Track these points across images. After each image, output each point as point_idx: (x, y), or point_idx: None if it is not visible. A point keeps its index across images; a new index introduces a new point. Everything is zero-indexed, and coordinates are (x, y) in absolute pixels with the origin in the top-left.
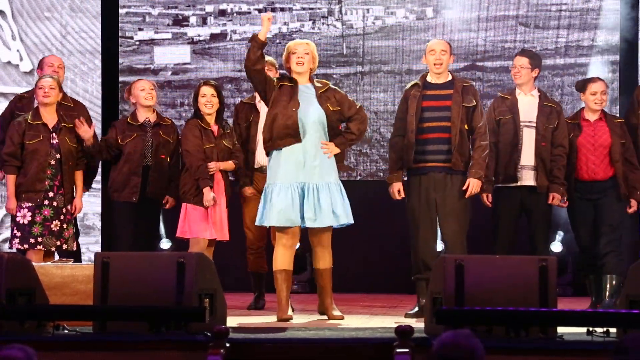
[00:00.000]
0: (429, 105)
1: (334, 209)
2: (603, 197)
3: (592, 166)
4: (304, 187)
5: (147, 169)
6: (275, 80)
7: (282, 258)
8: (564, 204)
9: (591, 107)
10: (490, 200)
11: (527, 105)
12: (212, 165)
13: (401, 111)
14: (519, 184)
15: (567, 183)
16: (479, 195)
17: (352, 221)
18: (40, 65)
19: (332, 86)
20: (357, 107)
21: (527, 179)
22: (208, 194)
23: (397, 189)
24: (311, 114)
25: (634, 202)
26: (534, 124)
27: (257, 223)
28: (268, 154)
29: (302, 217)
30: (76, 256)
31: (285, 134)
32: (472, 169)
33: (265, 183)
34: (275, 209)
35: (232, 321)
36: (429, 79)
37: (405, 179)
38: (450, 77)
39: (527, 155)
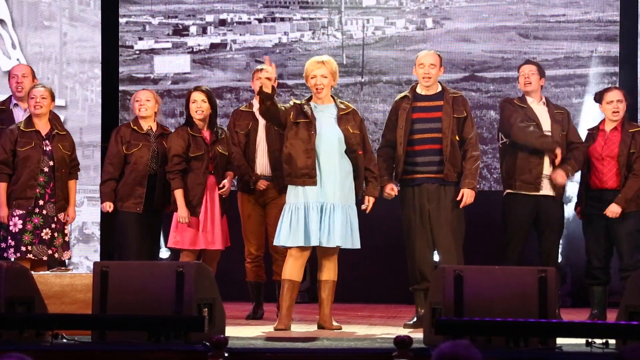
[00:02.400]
0: (419, 117)
1: (345, 232)
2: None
3: (599, 175)
4: (322, 206)
5: (151, 178)
6: (292, 114)
7: (291, 268)
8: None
9: (609, 117)
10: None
11: (541, 114)
12: (226, 190)
13: (391, 122)
14: (539, 192)
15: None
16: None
17: (358, 247)
18: (9, 75)
19: (356, 110)
20: (368, 142)
21: (546, 188)
22: (182, 210)
23: (389, 188)
24: (330, 136)
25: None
26: (550, 133)
27: (274, 243)
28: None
29: (317, 235)
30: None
31: (303, 174)
32: (466, 180)
33: (285, 203)
34: (292, 230)
35: (230, 331)
36: (418, 90)
37: (398, 189)
38: (440, 89)
39: (547, 165)
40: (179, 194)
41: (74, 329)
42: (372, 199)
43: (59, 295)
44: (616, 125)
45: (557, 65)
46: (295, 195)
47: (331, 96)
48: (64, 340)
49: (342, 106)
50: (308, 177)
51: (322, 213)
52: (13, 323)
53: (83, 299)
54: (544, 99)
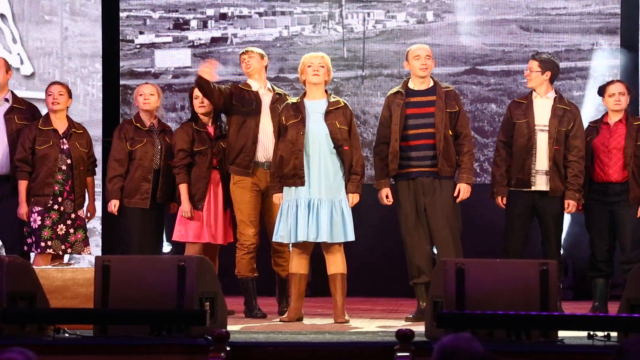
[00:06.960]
0: (412, 112)
1: (332, 227)
2: (619, 200)
3: (605, 168)
4: (310, 203)
5: (156, 174)
6: (283, 118)
7: (296, 263)
8: (580, 211)
9: (611, 109)
10: (504, 202)
11: (542, 109)
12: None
13: (385, 118)
14: (532, 189)
15: (583, 190)
16: (494, 197)
17: (351, 239)
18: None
19: (347, 105)
20: (355, 138)
21: (541, 183)
22: (185, 205)
23: (385, 194)
24: (317, 132)
25: None
26: (547, 128)
27: (273, 239)
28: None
29: (304, 231)
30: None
31: (293, 174)
32: (462, 174)
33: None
34: (286, 227)
35: (232, 324)
36: (411, 85)
37: (393, 183)
38: (432, 83)
39: (541, 160)
40: (183, 189)
41: (75, 323)
42: (352, 197)
43: (61, 289)
44: (620, 118)
45: (558, 58)
46: (288, 193)
47: (325, 91)
48: (66, 335)
49: (332, 100)
50: (297, 177)
51: (309, 209)
52: (15, 318)
53: (85, 293)
54: (552, 92)
